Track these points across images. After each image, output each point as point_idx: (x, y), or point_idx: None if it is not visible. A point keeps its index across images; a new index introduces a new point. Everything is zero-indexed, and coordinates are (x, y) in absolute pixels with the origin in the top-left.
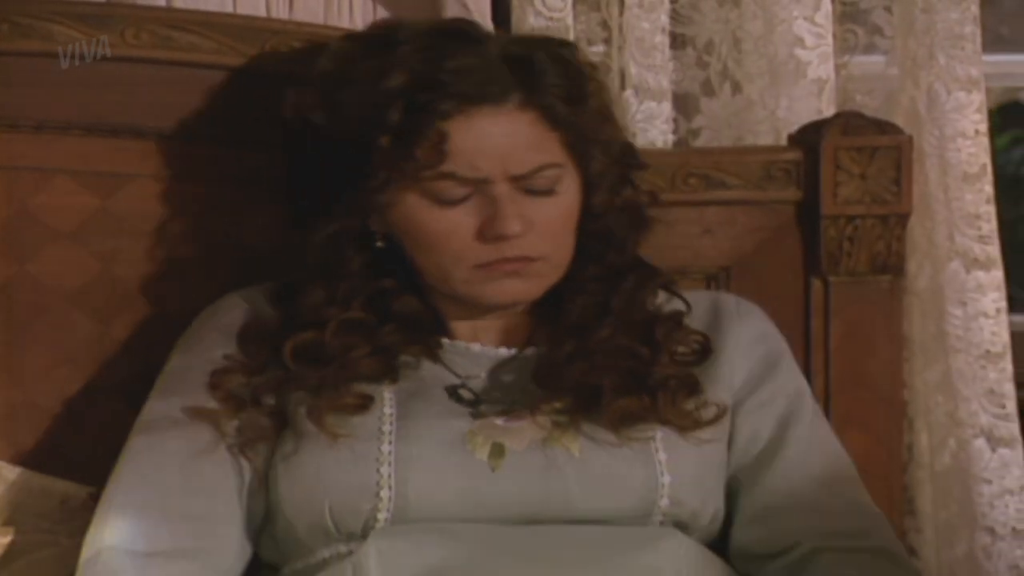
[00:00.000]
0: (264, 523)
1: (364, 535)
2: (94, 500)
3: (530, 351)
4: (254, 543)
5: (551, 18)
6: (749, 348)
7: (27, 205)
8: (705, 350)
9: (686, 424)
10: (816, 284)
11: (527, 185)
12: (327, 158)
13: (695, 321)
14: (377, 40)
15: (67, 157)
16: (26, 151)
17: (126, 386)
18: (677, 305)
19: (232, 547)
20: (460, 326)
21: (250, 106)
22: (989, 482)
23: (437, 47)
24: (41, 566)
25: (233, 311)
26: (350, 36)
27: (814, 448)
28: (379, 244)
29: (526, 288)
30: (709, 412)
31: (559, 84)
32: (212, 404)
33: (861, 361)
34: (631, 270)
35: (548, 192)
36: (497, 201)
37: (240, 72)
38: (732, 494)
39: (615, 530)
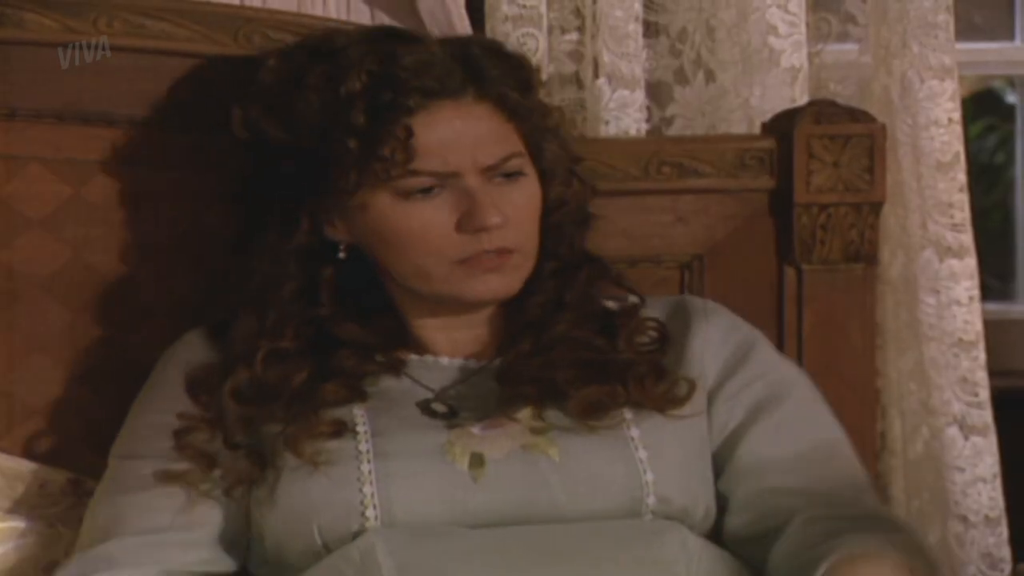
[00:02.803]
0: (249, 545)
1: None
2: (73, 485)
3: (498, 360)
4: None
5: (524, 6)
6: (719, 345)
7: None
8: (663, 337)
9: (661, 404)
10: (789, 272)
11: (497, 174)
12: (285, 170)
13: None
14: (318, 48)
15: (40, 145)
16: None
17: (99, 373)
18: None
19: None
20: (430, 336)
21: (223, 94)
22: (962, 470)
23: (386, 47)
24: (19, 553)
25: (180, 362)
26: (285, 50)
27: (799, 424)
28: (341, 255)
29: (506, 283)
30: (682, 389)
31: (504, 74)
32: (179, 465)
33: (834, 349)
34: (583, 265)
35: (516, 179)
36: (472, 193)
37: (213, 60)
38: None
39: (617, 524)
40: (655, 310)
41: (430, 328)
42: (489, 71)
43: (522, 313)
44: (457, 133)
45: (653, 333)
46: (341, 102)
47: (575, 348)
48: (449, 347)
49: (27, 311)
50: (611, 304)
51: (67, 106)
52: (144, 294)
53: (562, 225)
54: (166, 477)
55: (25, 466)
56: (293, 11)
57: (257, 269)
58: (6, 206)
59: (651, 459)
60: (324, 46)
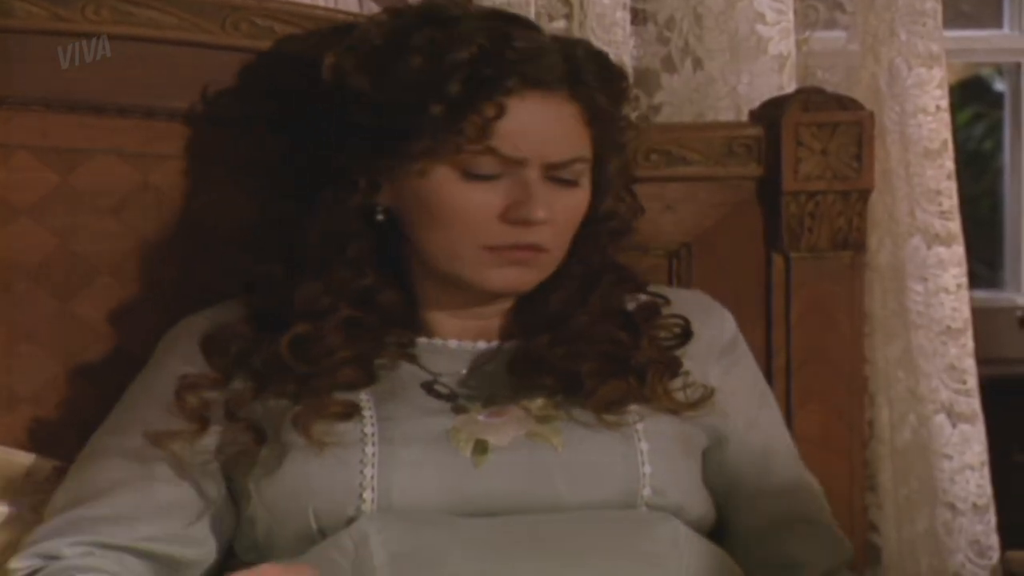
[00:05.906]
0: (239, 531)
1: None
2: (59, 473)
3: (509, 344)
4: (221, 549)
5: None
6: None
7: None
8: (686, 333)
9: (674, 406)
10: (777, 260)
11: (556, 175)
12: (361, 126)
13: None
14: (432, 13)
15: (27, 133)
16: None
17: (87, 363)
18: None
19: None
20: (440, 320)
21: (211, 82)
22: (950, 458)
23: (501, 27)
24: (3, 539)
25: (190, 333)
26: (395, 9)
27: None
28: (380, 217)
29: (528, 278)
30: (696, 392)
31: (601, 81)
32: (172, 427)
33: (822, 337)
34: (609, 271)
35: (571, 185)
36: (528, 185)
37: (201, 47)
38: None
39: (609, 515)
40: (677, 304)
41: (441, 313)
42: (588, 73)
43: (542, 306)
44: (536, 124)
45: (676, 330)
46: (443, 68)
47: (598, 342)
48: (458, 332)
49: (15, 300)
50: (631, 304)
51: (55, 94)
52: (131, 282)
53: (600, 235)
54: (153, 440)
55: (12, 454)
56: None
57: (320, 230)
58: None
59: (651, 452)
60: (439, 13)
